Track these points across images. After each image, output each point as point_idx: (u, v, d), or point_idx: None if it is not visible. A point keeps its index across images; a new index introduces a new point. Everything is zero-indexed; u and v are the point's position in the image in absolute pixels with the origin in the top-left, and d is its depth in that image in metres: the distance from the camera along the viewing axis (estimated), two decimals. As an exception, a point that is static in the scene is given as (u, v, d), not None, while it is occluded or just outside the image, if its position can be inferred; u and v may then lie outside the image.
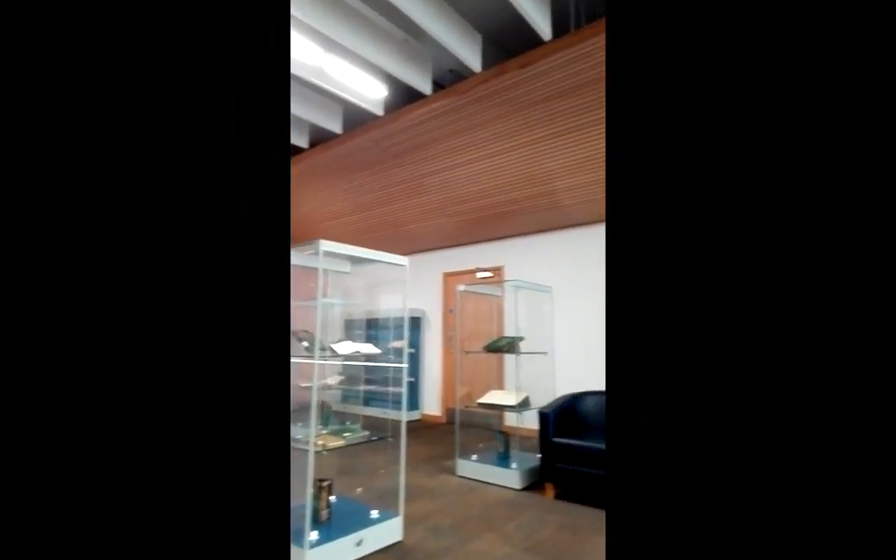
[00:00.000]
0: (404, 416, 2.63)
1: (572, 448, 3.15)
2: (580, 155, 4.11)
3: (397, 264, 2.68)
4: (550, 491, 3.28)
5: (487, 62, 3.88)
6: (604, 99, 3.51)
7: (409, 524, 2.68)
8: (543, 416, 3.35)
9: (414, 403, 6.51)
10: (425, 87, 4.05)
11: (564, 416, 3.53)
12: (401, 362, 2.74)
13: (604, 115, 3.65)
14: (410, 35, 3.90)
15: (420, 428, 5.85)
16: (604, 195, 4.62)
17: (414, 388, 6.53)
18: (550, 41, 3.35)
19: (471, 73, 3.87)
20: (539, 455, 3.37)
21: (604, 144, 3.94)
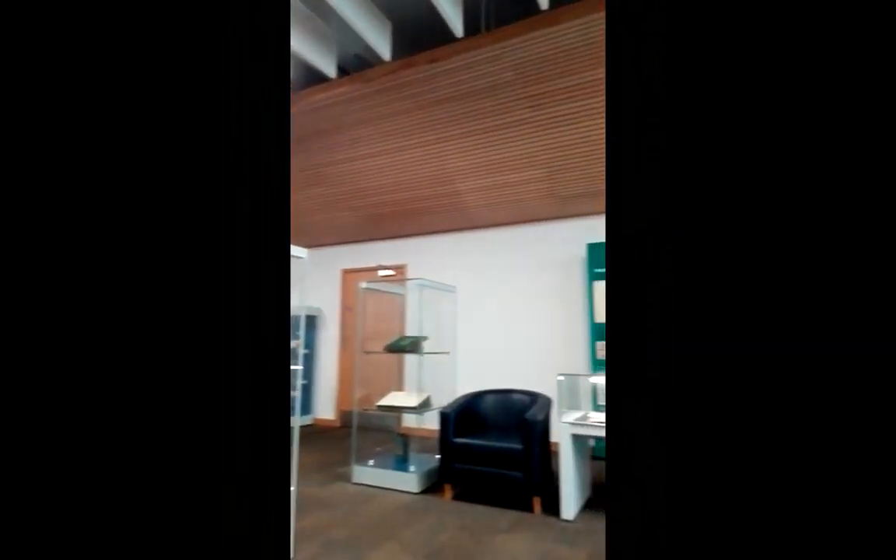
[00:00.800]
0: (297, 421, 2.40)
1: (471, 447, 3.14)
2: (487, 158, 4.16)
3: (295, 256, 2.44)
4: (449, 492, 3.25)
5: (397, 52, 3.76)
6: (514, 103, 3.59)
7: (300, 541, 2.45)
8: (444, 416, 3.31)
9: (307, 407, 6.12)
10: (330, 69, 3.80)
11: (465, 415, 3.52)
12: (295, 364, 2.49)
13: (514, 118, 3.75)
14: (316, 13, 3.63)
15: (313, 433, 5.51)
16: (508, 199, 4.76)
17: (307, 391, 6.15)
18: (462, 38, 3.33)
19: (379, 60, 3.72)
20: (438, 456, 3.32)
21: (511, 148, 4.05)
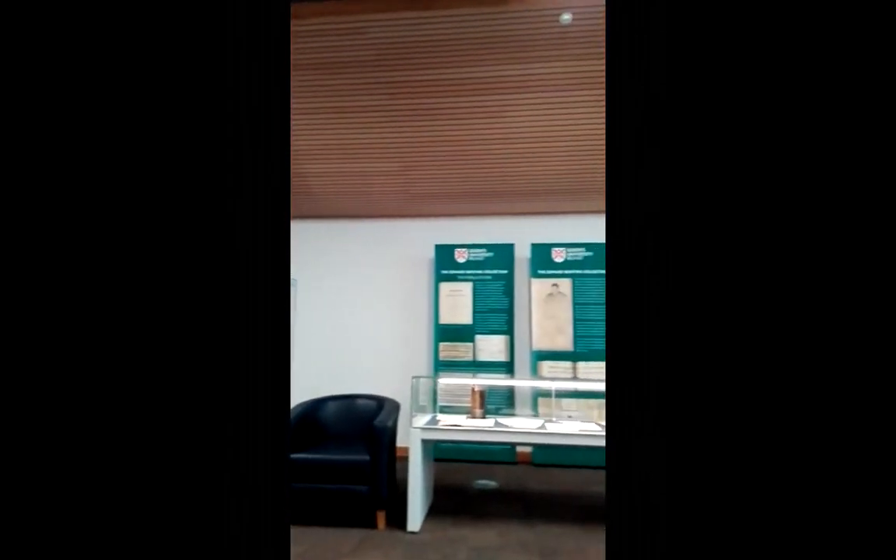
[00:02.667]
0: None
1: (311, 463, 2.77)
2: (338, 140, 3.80)
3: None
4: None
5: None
6: (374, 86, 3.33)
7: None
8: (279, 429, 2.86)
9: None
10: None
11: (303, 426, 3.12)
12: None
13: (372, 103, 3.48)
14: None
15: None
16: (357, 189, 4.45)
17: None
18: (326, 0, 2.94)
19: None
20: (271, 476, 2.85)
21: (365, 135, 3.77)
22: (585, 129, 3.66)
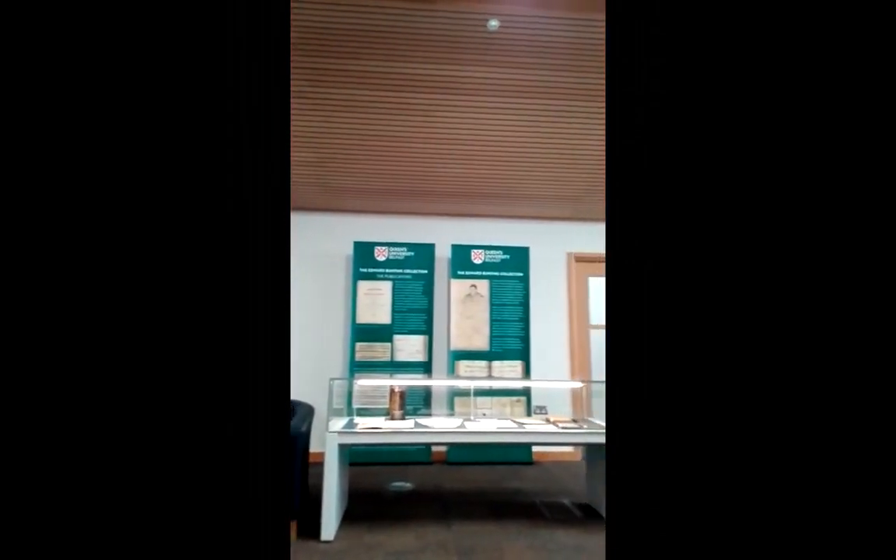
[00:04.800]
0: None
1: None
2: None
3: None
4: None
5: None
6: (293, 70, 3.13)
7: None
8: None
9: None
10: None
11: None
12: None
13: (291, 88, 3.27)
14: None
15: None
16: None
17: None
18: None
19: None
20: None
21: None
22: (510, 136, 3.77)
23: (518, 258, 4.61)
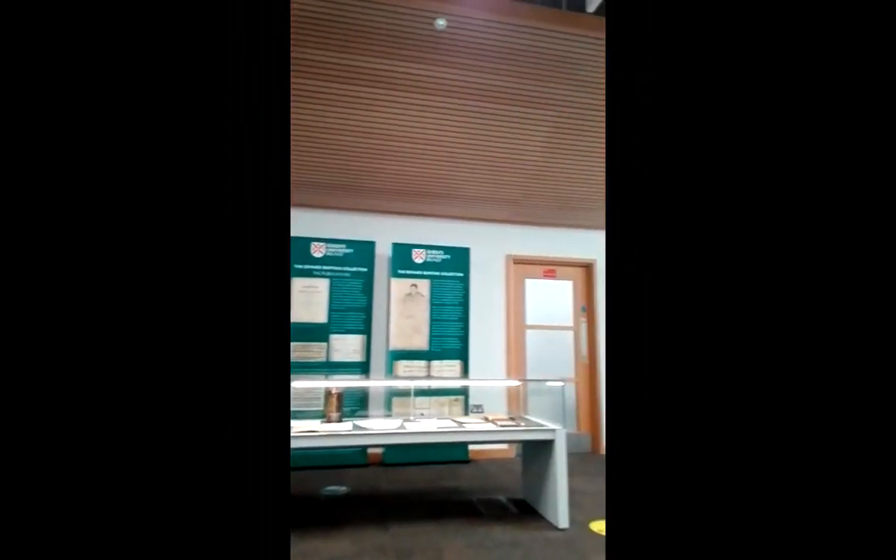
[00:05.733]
0: None
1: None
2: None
3: None
4: None
5: None
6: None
7: None
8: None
9: None
10: None
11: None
12: None
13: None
14: None
15: None
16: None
17: None
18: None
19: None
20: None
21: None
22: (453, 136, 3.78)
23: (458, 258, 4.64)
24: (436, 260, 4.59)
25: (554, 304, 5.16)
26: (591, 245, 5.21)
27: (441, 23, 2.93)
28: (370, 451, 4.27)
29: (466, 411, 4.42)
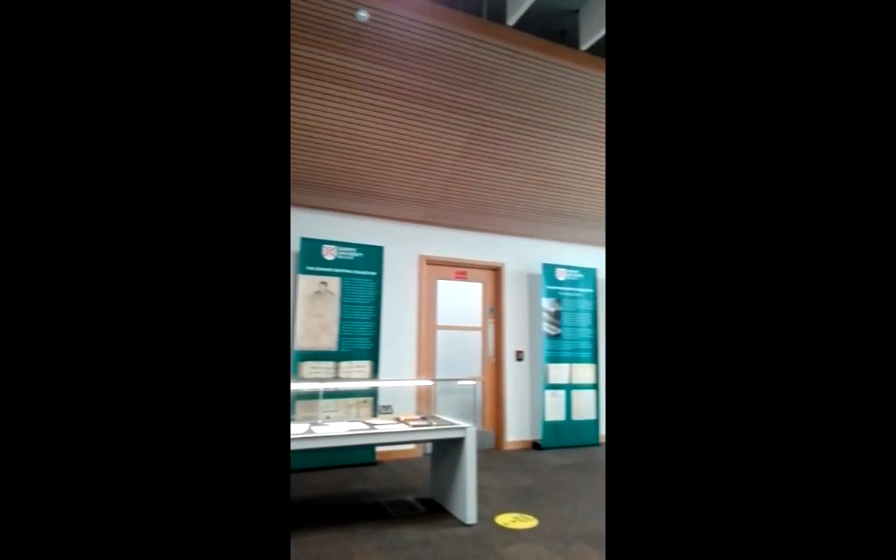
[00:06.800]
0: None
1: None
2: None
3: None
4: None
5: None
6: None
7: None
8: None
9: None
10: None
11: None
12: None
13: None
14: None
15: None
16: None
17: None
18: None
19: None
20: None
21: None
22: (372, 132, 3.71)
23: (372, 257, 4.56)
24: (348, 257, 4.47)
25: (464, 304, 5.29)
26: (501, 249, 5.43)
27: (363, 15, 2.86)
28: (272, 456, 4.03)
29: (375, 412, 4.36)
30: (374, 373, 4.44)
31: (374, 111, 3.54)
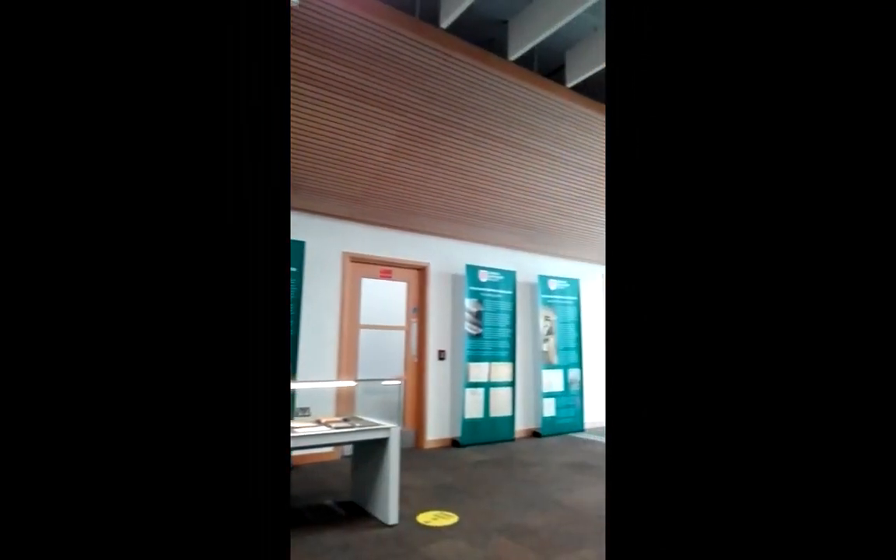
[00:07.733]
0: None
1: None
2: None
3: None
4: None
5: None
6: None
7: None
8: None
9: None
10: None
11: None
12: None
13: None
14: None
15: None
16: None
17: None
18: None
19: None
20: None
21: None
22: (301, 124, 3.54)
23: (293, 253, 4.37)
24: (267, 251, 4.24)
25: (388, 304, 5.24)
26: (427, 249, 5.46)
27: (295, 0, 2.73)
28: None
29: (291, 415, 4.18)
30: (292, 373, 4.25)
31: (304, 101, 3.40)
